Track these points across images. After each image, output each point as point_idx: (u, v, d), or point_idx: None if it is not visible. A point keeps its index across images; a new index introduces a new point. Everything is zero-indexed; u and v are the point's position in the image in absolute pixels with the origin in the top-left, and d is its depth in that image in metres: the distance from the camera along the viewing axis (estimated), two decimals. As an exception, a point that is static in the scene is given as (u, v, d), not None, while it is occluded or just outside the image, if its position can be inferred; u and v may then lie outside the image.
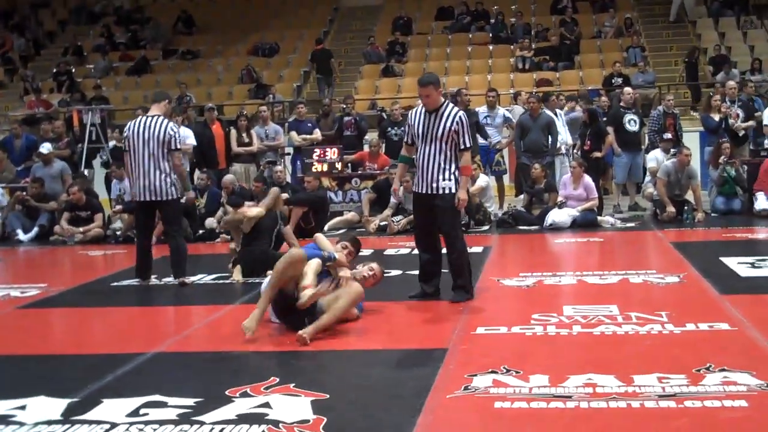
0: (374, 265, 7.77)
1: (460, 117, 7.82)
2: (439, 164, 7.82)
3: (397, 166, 8.90)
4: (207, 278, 9.82)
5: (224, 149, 15.64)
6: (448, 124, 7.77)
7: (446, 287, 8.08)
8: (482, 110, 15.12)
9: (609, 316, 7.11)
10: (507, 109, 15.73)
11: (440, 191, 7.82)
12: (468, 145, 7.84)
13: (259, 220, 9.69)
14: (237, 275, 9.52)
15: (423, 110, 7.93)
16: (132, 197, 9.92)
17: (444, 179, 7.82)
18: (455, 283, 8.00)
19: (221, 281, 9.61)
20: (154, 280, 9.61)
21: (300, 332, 6.59)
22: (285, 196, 13.28)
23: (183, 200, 10.01)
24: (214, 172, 14.88)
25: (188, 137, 14.70)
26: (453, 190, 7.80)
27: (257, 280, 9.08)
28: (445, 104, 7.93)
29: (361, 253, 10.88)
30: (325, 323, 6.74)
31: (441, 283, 8.15)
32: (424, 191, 7.93)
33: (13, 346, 7.15)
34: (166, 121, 9.44)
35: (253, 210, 9.87)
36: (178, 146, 9.50)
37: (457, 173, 7.84)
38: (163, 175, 9.36)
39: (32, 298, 9.10)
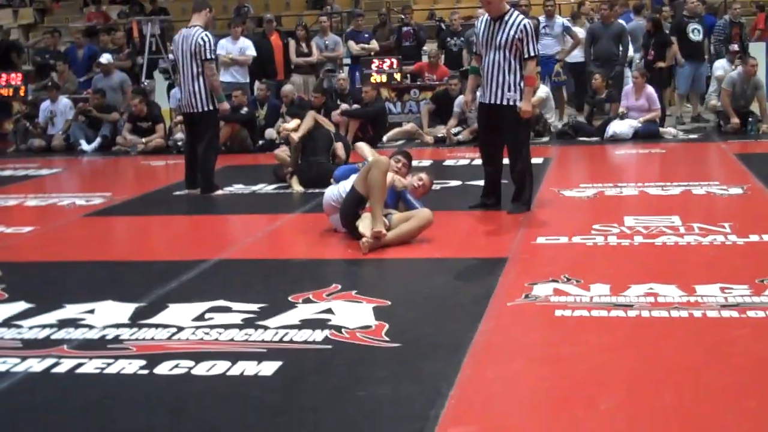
0: (423, 175, 7.73)
1: (524, 25, 7.68)
2: (504, 74, 7.72)
3: (468, 77, 8.79)
4: (267, 188, 9.89)
5: (283, 60, 15.57)
6: (512, 32, 7.65)
7: (506, 199, 8.06)
8: (540, 20, 14.84)
9: (671, 227, 7.06)
10: (567, 19, 15.43)
11: (504, 102, 7.75)
12: (533, 54, 7.72)
13: (312, 137, 9.71)
14: (296, 186, 9.57)
15: (488, 18, 7.82)
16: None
17: (509, 90, 7.73)
18: (516, 194, 7.97)
19: (281, 191, 9.67)
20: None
21: (362, 240, 6.64)
22: (345, 106, 13.28)
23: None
24: (273, 83, 14.86)
25: (248, 48, 14.67)
26: (518, 102, 7.72)
27: (317, 191, 9.12)
28: (510, 12, 7.79)
29: (421, 164, 10.93)
30: (388, 240, 6.76)
31: (502, 194, 8.12)
32: (488, 101, 7.85)
33: (80, 253, 7.31)
34: (200, 31, 9.45)
35: (290, 123, 9.94)
36: (210, 56, 9.51)
37: (521, 84, 7.74)
38: (197, 87, 9.45)
39: (97, 207, 9.25)
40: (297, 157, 9.77)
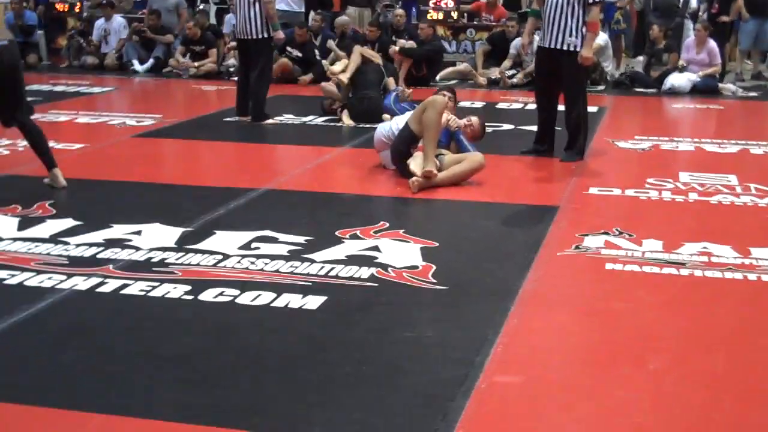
0: (474, 117, 7.60)
1: None
2: (566, 18, 7.54)
3: (527, 19, 8.60)
4: (318, 120, 9.82)
5: (340, -8, 15.42)
6: None
7: (559, 146, 7.93)
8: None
9: (727, 185, 6.91)
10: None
11: (565, 47, 7.58)
12: (597, 0, 7.55)
13: (362, 71, 9.61)
14: (347, 120, 9.49)
15: None
16: None
17: (570, 35, 7.56)
18: (569, 142, 7.84)
19: (331, 124, 9.59)
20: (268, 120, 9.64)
21: (412, 180, 6.57)
22: (403, 42, 13.11)
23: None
24: (329, 14, 14.71)
25: (304, -24, 14.54)
26: (578, 48, 7.55)
27: (367, 126, 9.04)
28: None
29: (473, 105, 10.80)
30: (439, 181, 6.67)
31: (555, 141, 8.00)
32: (548, 45, 7.68)
33: (128, 173, 7.29)
34: None
35: (337, 66, 9.86)
36: None
37: (584, 29, 7.56)
38: (252, 13, 9.37)
39: (147, 128, 9.24)
40: (347, 94, 9.69)
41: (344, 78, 9.60)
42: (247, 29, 9.42)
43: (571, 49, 7.56)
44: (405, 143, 6.89)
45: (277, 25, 9.62)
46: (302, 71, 12.96)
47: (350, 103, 9.63)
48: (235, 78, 10.54)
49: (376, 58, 10.20)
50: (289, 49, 12.88)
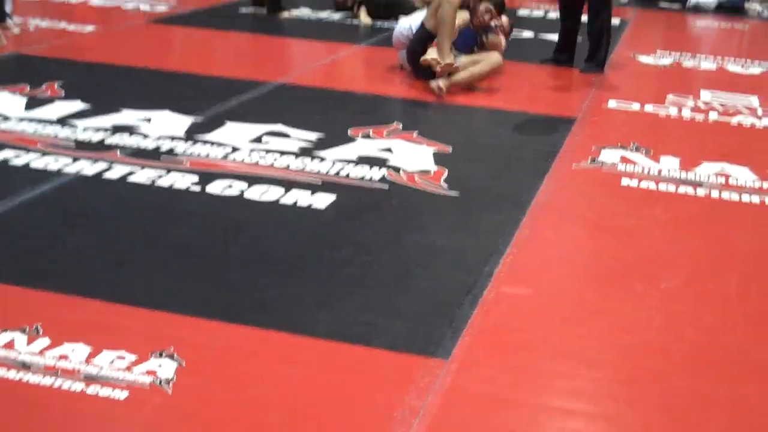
0: (504, 18, 7.39)
1: None
2: None
3: None
4: (334, 16, 9.62)
5: None
6: None
7: (579, 57, 7.76)
8: None
9: (749, 107, 6.77)
10: None
11: None
12: None
13: None
14: (364, 17, 9.29)
15: None
16: None
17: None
18: (590, 54, 7.66)
19: (349, 21, 9.40)
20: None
21: (434, 82, 6.44)
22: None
23: None
24: None
25: None
26: None
27: (385, 25, 8.86)
28: None
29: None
30: (460, 81, 6.54)
31: (576, 52, 7.82)
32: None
33: (140, 59, 7.15)
34: None
35: None
36: None
37: None
38: None
39: (161, 15, 9.06)
40: None
41: None
42: None
43: None
44: (421, 42, 6.73)
45: None
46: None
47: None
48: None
49: None
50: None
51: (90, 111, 5.45)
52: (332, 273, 3.55)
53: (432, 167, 4.86)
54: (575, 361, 3.05)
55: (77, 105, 5.55)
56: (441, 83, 6.43)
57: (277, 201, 4.24)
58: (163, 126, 5.27)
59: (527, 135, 5.82)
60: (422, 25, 6.72)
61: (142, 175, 4.46)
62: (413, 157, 5.01)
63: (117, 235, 3.82)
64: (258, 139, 5.11)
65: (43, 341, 2.94)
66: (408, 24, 7.05)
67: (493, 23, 7.04)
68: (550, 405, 2.81)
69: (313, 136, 5.23)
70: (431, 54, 6.60)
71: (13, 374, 2.76)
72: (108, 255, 3.61)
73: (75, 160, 4.60)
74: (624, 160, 5.21)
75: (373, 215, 4.17)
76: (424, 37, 6.71)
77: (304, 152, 4.95)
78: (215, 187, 4.35)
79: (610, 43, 7.91)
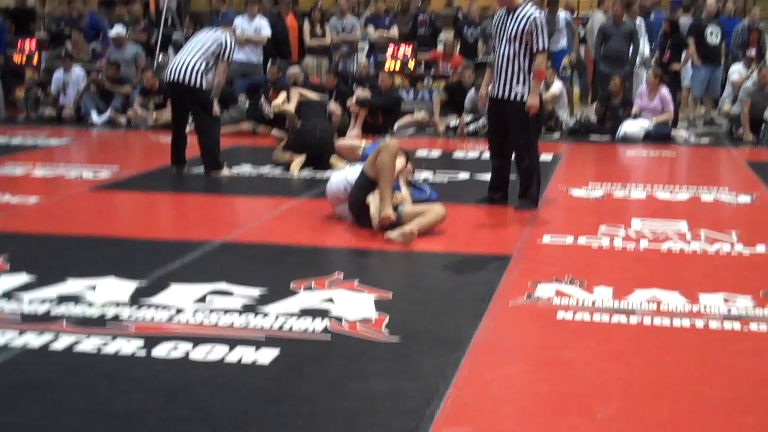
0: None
1: (534, 17, 7.62)
2: (513, 67, 7.68)
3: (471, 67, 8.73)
4: (275, 171, 9.85)
5: (297, 42, 15.53)
6: (522, 24, 7.61)
7: (513, 194, 8.03)
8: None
9: (678, 232, 7.03)
10: (568, 13, 15.37)
11: (512, 96, 7.71)
12: (541, 48, 7.64)
13: (307, 103, 9.81)
14: (295, 169, 9.58)
15: (504, 11, 7.79)
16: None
17: (517, 83, 7.69)
18: (523, 191, 7.94)
19: (287, 175, 9.63)
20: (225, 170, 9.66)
21: (389, 234, 6.64)
22: (359, 93, 13.23)
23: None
24: (287, 64, 14.82)
25: (263, 27, 14.65)
26: (524, 97, 7.68)
27: (318, 176, 9.16)
28: (523, 5, 7.75)
29: (430, 154, 10.93)
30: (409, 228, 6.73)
31: (509, 189, 8.09)
32: (497, 95, 7.82)
33: (85, 227, 7.30)
34: (228, 36, 9.63)
35: (278, 98, 10.18)
36: (229, 58, 9.69)
37: (531, 78, 7.70)
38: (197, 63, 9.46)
39: (104, 181, 9.23)
40: (295, 126, 9.84)
41: (290, 107, 9.76)
42: (187, 75, 9.40)
43: (518, 98, 7.69)
44: (363, 190, 6.95)
45: (217, 96, 9.76)
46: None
47: (302, 137, 9.72)
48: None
49: (315, 94, 10.38)
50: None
51: (35, 283, 5.53)
52: (275, 429, 3.62)
53: (373, 315, 4.99)
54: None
55: (22, 278, 5.63)
56: (394, 235, 6.60)
57: (222, 360, 4.32)
58: (108, 293, 5.36)
59: (465, 276, 5.99)
60: (362, 173, 6.95)
61: (89, 344, 4.52)
62: (355, 305, 5.14)
63: (64, 406, 3.86)
64: (202, 299, 5.22)
65: None
66: (343, 177, 7.28)
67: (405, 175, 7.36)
68: None
69: (256, 292, 5.35)
70: (375, 200, 6.81)
71: None
72: (55, 426, 3.65)
73: (21, 333, 4.66)
74: (559, 293, 5.38)
75: (315, 367, 4.26)
76: (366, 186, 6.92)
77: (248, 309, 5.06)
78: (161, 350, 4.43)
79: (542, 178, 8.21)
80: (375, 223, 6.68)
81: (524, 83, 7.68)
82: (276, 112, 10.78)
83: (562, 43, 14.59)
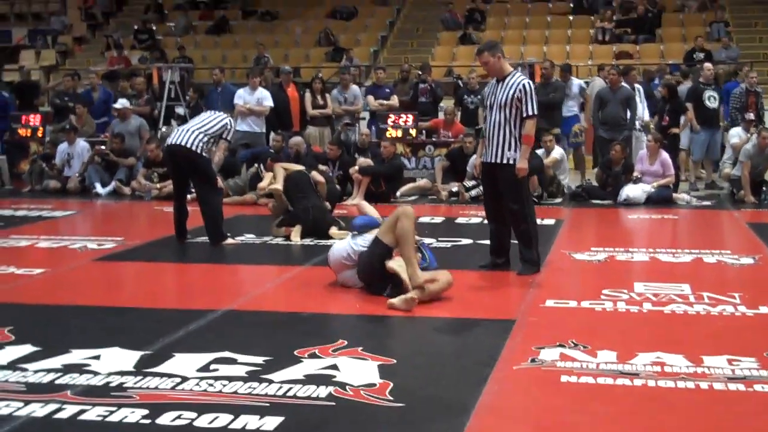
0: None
1: (524, 84, 7.76)
2: (504, 133, 7.79)
3: (473, 134, 8.81)
4: (278, 239, 9.90)
5: (299, 112, 15.70)
6: (511, 92, 7.74)
7: (516, 258, 8.06)
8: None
9: (681, 295, 7.04)
10: (586, 82, 15.53)
11: (504, 161, 7.80)
12: (530, 113, 7.74)
13: (292, 181, 9.90)
14: (296, 237, 9.64)
15: (494, 81, 7.94)
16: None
17: (509, 149, 7.78)
18: (523, 255, 7.97)
19: (290, 243, 9.68)
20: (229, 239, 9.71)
21: (391, 301, 6.66)
22: (362, 161, 13.36)
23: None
24: (288, 134, 14.96)
25: (265, 98, 14.85)
26: (515, 161, 7.76)
27: (320, 242, 9.20)
28: (513, 73, 7.91)
29: (433, 220, 10.98)
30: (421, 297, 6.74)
31: (511, 254, 8.12)
32: (490, 161, 7.92)
33: (90, 298, 7.33)
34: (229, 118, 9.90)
35: (263, 182, 10.34)
36: (230, 138, 9.92)
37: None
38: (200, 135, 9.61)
39: (108, 251, 9.28)
40: (283, 207, 9.92)
41: (278, 187, 9.85)
42: (185, 141, 9.50)
43: (510, 162, 7.77)
44: (379, 258, 6.96)
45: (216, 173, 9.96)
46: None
47: (297, 217, 9.79)
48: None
49: (296, 166, 10.50)
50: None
51: (40, 353, 5.55)
52: (282, 495, 3.62)
53: (377, 380, 4.99)
54: None
55: (27, 348, 5.65)
56: (397, 301, 6.62)
57: (227, 427, 4.32)
58: (113, 362, 5.37)
59: (469, 341, 6.01)
60: (378, 240, 6.98)
61: (93, 413, 4.53)
62: (359, 372, 5.14)
63: (68, 476, 3.87)
64: (206, 367, 5.23)
65: None
66: (348, 245, 7.30)
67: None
68: None
69: (261, 359, 5.35)
70: (398, 265, 6.82)
71: None
72: (60, 497, 3.66)
73: (26, 403, 4.67)
74: (563, 357, 5.39)
75: (320, 433, 4.27)
76: (383, 253, 6.95)
77: (252, 376, 5.06)
78: (165, 419, 4.43)
79: (545, 242, 8.26)
80: (410, 289, 6.66)
81: (515, 148, 7.78)
82: (263, 194, 10.92)
83: (574, 109, 14.74)
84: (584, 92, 14.91)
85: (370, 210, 8.00)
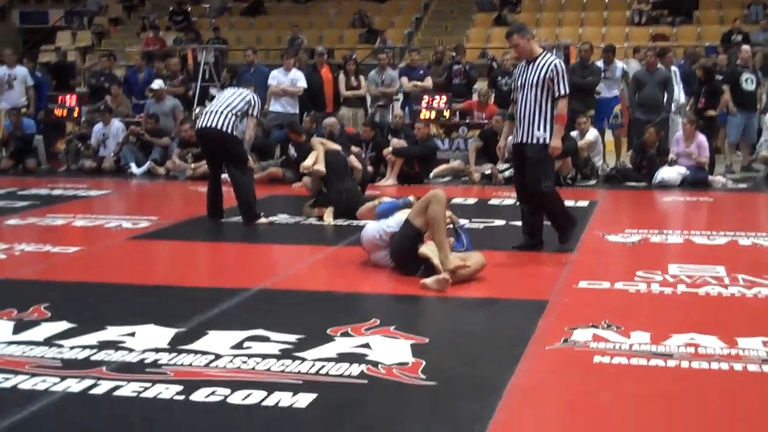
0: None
1: (555, 64, 7.77)
2: (534, 113, 7.77)
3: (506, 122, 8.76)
4: (311, 219, 9.92)
5: (332, 93, 15.69)
6: (543, 72, 7.73)
7: (550, 239, 8.04)
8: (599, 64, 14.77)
9: (715, 277, 6.99)
10: (625, 63, 15.40)
11: (534, 141, 7.78)
12: (563, 93, 7.72)
13: (330, 163, 9.87)
14: (328, 218, 9.65)
15: (524, 63, 7.92)
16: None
17: (539, 129, 7.76)
18: (558, 234, 7.99)
19: (323, 223, 9.71)
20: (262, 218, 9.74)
21: (424, 281, 6.65)
22: (395, 142, 13.34)
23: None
24: (322, 115, 14.97)
25: (299, 79, 14.86)
26: (545, 141, 7.74)
27: (353, 223, 9.21)
28: (543, 53, 7.92)
29: (466, 201, 10.97)
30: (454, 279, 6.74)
31: (545, 234, 8.11)
32: (519, 141, 7.90)
33: (124, 276, 7.39)
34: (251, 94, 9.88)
35: (308, 160, 10.12)
36: (257, 114, 9.99)
37: (552, 123, 7.77)
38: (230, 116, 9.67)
39: (143, 230, 9.34)
40: (318, 187, 9.92)
41: (321, 168, 9.83)
42: (214, 122, 9.57)
43: (541, 141, 7.76)
44: (410, 240, 6.98)
45: (248, 151, 9.94)
46: (296, 177, 12.93)
47: (330, 199, 9.80)
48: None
49: (334, 144, 10.46)
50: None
51: (76, 330, 5.60)
52: (314, 471, 3.64)
53: (410, 359, 5.00)
54: None
55: (63, 325, 5.70)
56: (429, 281, 6.62)
57: (260, 404, 4.35)
58: (148, 339, 5.42)
59: (501, 321, 6.01)
60: (408, 223, 6.98)
61: (128, 389, 4.57)
62: (391, 350, 5.15)
63: (104, 449, 3.91)
64: (239, 345, 5.26)
65: None
66: (379, 227, 7.30)
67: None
68: None
69: (293, 337, 5.38)
70: (430, 250, 6.83)
71: None
72: (95, 470, 3.70)
73: (62, 378, 4.72)
74: (596, 338, 5.37)
75: (352, 411, 4.28)
76: (413, 235, 6.96)
77: (285, 354, 5.09)
78: (199, 395, 4.46)
79: (579, 224, 8.23)
80: (442, 272, 6.65)
81: (545, 128, 7.76)
82: (306, 173, 10.88)
83: (615, 91, 14.63)
84: (627, 76, 14.78)
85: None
